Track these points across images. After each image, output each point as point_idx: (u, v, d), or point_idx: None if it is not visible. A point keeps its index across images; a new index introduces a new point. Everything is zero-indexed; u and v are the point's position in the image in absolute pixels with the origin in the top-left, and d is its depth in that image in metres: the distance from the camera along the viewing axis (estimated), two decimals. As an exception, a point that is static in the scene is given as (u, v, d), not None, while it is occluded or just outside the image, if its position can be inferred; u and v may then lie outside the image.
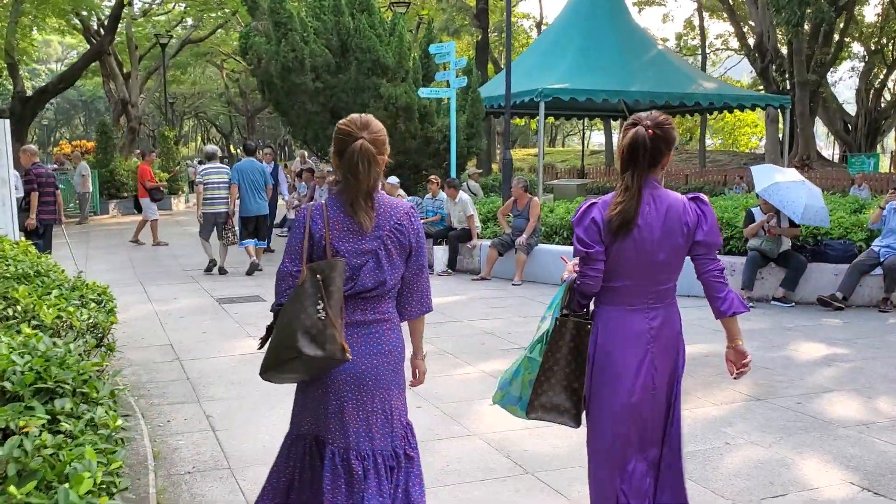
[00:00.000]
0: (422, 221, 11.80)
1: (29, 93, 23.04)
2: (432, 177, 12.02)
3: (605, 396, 2.81)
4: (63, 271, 5.25)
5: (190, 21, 34.28)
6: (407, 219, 2.66)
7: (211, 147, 12.04)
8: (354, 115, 2.66)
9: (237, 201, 10.82)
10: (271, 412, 4.85)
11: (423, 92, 12.52)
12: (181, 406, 5.06)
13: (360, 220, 2.55)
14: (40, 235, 9.85)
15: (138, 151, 14.74)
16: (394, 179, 12.59)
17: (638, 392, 2.77)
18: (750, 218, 8.83)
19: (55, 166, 22.32)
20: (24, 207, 9.49)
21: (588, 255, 2.76)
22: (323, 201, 2.66)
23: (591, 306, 2.91)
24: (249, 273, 10.72)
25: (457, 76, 12.60)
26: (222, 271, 10.90)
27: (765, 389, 5.37)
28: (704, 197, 2.87)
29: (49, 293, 3.93)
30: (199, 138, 77.42)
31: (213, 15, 34.99)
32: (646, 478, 2.81)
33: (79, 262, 12.37)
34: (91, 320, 3.83)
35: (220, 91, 53.14)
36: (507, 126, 12.37)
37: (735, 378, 2.87)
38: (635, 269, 2.76)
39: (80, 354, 3.14)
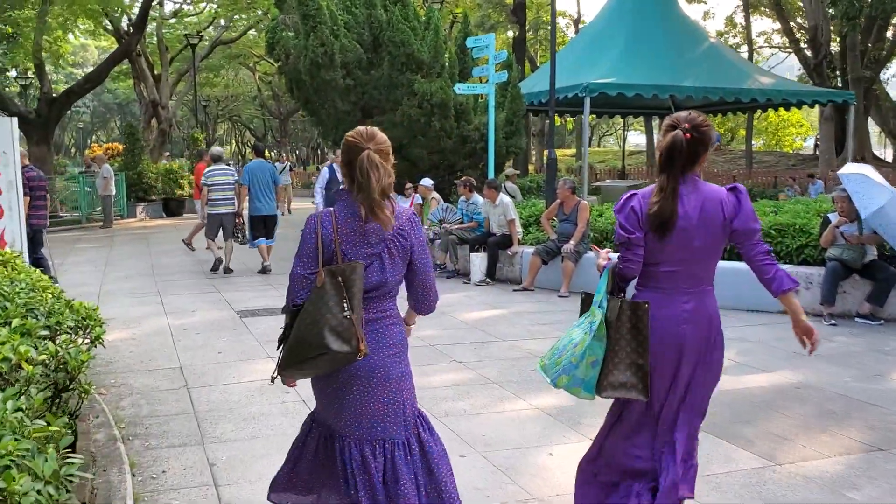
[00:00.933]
0: (457, 227, 11.03)
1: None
2: (463, 178, 11.19)
3: None
4: (50, 289, 4.48)
5: (222, 22, 33.89)
6: (409, 224, 2.82)
7: (217, 149, 12.11)
8: (360, 128, 2.85)
9: (245, 201, 10.99)
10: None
11: (460, 88, 11.70)
12: (182, 450, 4.28)
13: (381, 221, 2.68)
14: (30, 240, 9.17)
15: (193, 153, 13.91)
16: (427, 181, 11.80)
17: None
18: (826, 225, 7.88)
19: (83, 169, 21.97)
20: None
21: (629, 240, 2.97)
22: (332, 208, 2.80)
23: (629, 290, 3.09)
24: (262, 272, 10.97)
25: (496, 70, 11.77)
26: (227, 271, 11.05)
27: (883, 435, 4.44)
28: (742, 187, 3.00)
29: (7, 323, 3.16)
30: (234, 142, 77.51)
31: (245, 17, 34.65)
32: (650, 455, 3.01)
33: (97, 268, 11.77)
34: (58, 357, 3.06)
35: (254, 94, 52.86)
36: (550, 123, 11.50)
37: (809, 354, 3.05)
38: (672, 256, 2.95)
39: (22, 412, 2.38)
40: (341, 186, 2.83)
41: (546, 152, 11.91)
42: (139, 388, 5.46)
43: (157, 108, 27.99)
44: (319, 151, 68.34)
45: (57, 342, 3.35)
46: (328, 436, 2.84)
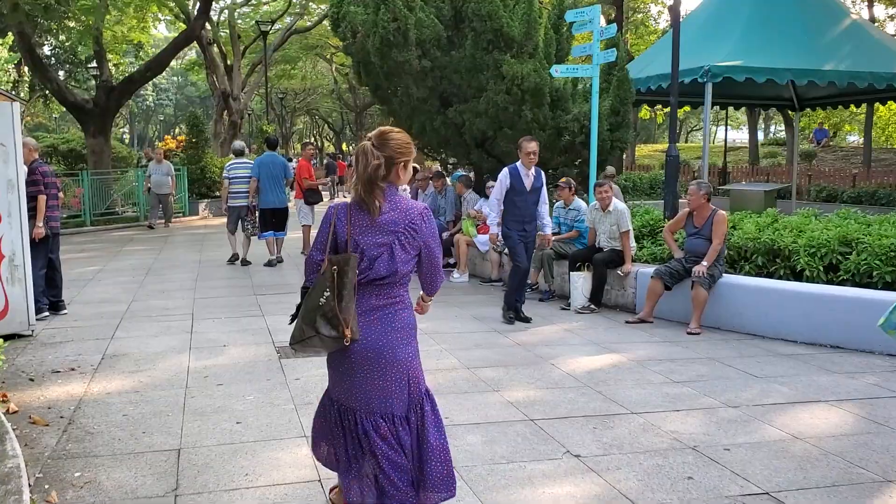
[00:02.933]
0: (555, 238, 9.06)
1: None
2: (564, 179, 9.19)
3: None
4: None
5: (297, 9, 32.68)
6: (420, 219, 3.00)
7: (239, 143, 12.31)
8: (380, 128, 3.07)
9: (256, 194, 11.17)
10: None
11: (558, 70, 9.69)
12: None
13: (368, 208, 2.93)
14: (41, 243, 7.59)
15: (308, 146, 12.26)
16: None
17: None
18: None
19: (145, 162, 20.90)
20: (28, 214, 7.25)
21: None
22: (349, 201, 3.06)
23: None
24: (268, 265, 11.14)
25: (601, 49, 9.72)
26: (245, 262, 11.27)
27: None
28: None
29: None
30: (313, 136, 77.06)
31: (320, 8, 33.38)
32: None
33: (136, 278, 10.29)
34: None
35: (331, 87, 51.77)
36: (672, 112, 9.39)
37: None
38: None
39: None
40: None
41: (667, 148, 9.76)
42: (110, 491, 3.72)
43: (228, 99, 26.90)
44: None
45: None
46: (342, 410, 3.07)
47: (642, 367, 5.96)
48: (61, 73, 41.90)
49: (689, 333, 7.09)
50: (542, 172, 7.75)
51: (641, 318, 7.68)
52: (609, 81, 10.86)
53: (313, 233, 13.19)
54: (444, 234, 10.51)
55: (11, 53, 29.50)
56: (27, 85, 36.37)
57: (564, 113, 10.43)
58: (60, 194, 8.47)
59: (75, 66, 40.03)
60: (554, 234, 8.98)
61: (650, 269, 7.78)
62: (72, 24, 31.74)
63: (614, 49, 9.86)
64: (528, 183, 7.49)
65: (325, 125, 70.00)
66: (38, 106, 49.24)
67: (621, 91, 10.70)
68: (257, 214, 11.26)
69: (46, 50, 41.81)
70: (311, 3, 32.23)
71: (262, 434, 4.47)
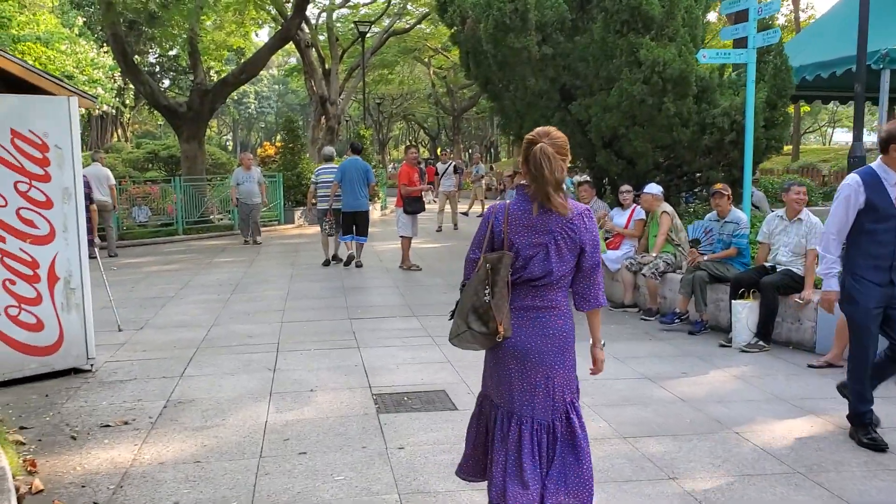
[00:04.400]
0: (707, 258, 7.44)
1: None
2: (718, 186, 7.57)
3: None
4: None
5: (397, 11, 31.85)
6: (580, 219, 2.93)
7: (329, 149, 12.91)
8: (539, 128, 2.98)
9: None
10: None
11: (706, 56, 8.09)
12: None
13: (555, 206, 2.86)
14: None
15: (411, 149, 11.02)
16: (654, 188, 8.30)
17: None
18: None
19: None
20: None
21: None
22: (507, 201, 3.02)
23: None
24: (346, 264, 11.40)
25: (760, 28, 8.07)
26: (336, 259, 11.78)
27: None
28: None
29: None
30: (408, 141, 76.82)
31: (419, 9, 32.46)
32: None
33: (221, 295, 9.28)
34: None
35: (428, 91, 50.95)
36: (858, 103, 7.64)
37: None
38: None
39: None
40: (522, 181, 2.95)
41: (851, 147, 8.00)
42: None
43: (325, 103, 26.20)
44: (493, 150, 65.81)
45: None
46: (491, 408, 3.06)
47: (863, 452, 4.33)
48: (166, 80, 42.73)
49: (904, 386, 5.37)
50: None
51: (829, 362, 6.01)
52: (761, 70, 9.14)
53: (420, 244, 12.01)
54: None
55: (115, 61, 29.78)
56: (132, 92, 36.99)
57: (711, 106, 8.79)
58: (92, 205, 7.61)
59: (179, 74, 40.65)
60: (705, 252, 7.41)
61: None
62: (175, 32, 31.95)
63: (776, 30, 8.18)
64: None
65: (422, 130, 69.50)
66: (144, 113, 50.58)
67: (778, 80, 8.96)
68: (338, 216, 11.43)
69: (151, 58, 42.69)
70: (409, 5, 31.29)
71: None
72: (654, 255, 7.93)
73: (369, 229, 11.71)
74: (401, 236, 11.05)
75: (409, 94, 53.96)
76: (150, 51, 42.42)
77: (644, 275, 7.85)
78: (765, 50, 9.02)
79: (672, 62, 8.23)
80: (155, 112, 41.59)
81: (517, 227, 2.93)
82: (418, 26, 34.72)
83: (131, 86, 35.08)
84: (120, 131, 44.37)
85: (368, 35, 26.51)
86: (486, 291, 2.87)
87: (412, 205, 10.81)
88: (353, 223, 11.09)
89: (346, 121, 44.47)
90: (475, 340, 2.96)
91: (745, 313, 6.61)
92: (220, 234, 16.60)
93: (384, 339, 6.92)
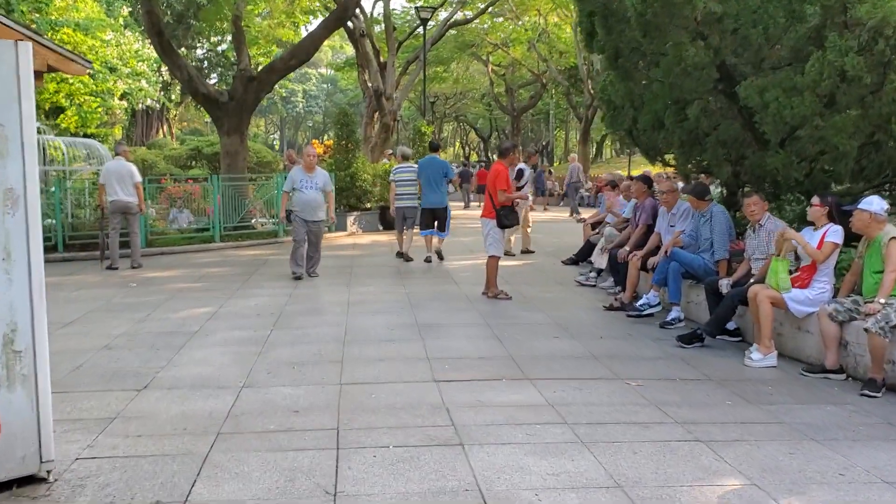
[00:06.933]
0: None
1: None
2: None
3: None
4: None
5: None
6: None
7: (405, 149, 13.30)
8: None
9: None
10: None
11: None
12: None
13: None
14: None
15: (509, 148, 8.41)
16: (876, 203, 5.80)
17: None
18: None
19: (287, 163, 18.28)
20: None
21: None
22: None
23: None
24: (427, 261, 11.63)
25: None
26: (408, 258, 11.81)
27: None
28: None
29: None
30: (458, 143, 74.48)
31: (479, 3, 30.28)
32: None
33: (260, 333, 7.03)
34: None
35: (483, 91, 48.56)
36: None
37: None
38: None
39: None
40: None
41: None
42: None
43: (380, 98, 24.03)
44: (546, 152, 63.04)
45: None
46: None
47: None
48: (213, 76, 41.14)
49: None
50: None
51: None
52: None
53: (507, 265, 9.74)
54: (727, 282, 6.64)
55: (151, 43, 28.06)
56: (178, 87, 35.40)
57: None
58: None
59: (226, 70, 38.99)
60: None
61: None
62: (224, 26, 30.11)
63: None
64: None
65: (473, 131, 67.25)
66: (192, 110, 49.16)
67: None
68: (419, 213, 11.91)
69: (199, 53, 41.17)
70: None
71: None
72: (881, 300, 5.45)
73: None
74: (490, 256, 8.69)
75: (462, 93, 51.72)
76: (199, 45, 40.92)
77: (867, 330, 5.37)
78: None
79: (891, 16, 5.73)
80: (201, 109, 40.10)
81: None
82: (475, 22, 32.51)
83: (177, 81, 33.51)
84: (165, 127, 42.94)
85: (428, 17, 24.31)
86: None
87: (509, 217, 8.42)
88: (433, 219, 11.70)
89: (397, 121, 42.43)
90: None
91: None
92: (262, 243, 14.46)
93: (497, 427, 4.57)
